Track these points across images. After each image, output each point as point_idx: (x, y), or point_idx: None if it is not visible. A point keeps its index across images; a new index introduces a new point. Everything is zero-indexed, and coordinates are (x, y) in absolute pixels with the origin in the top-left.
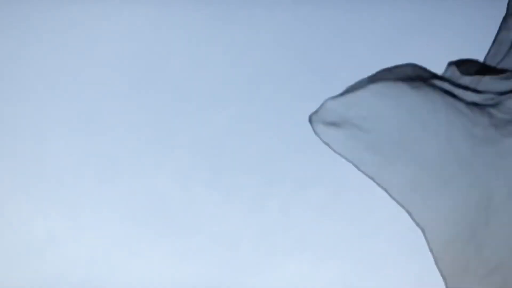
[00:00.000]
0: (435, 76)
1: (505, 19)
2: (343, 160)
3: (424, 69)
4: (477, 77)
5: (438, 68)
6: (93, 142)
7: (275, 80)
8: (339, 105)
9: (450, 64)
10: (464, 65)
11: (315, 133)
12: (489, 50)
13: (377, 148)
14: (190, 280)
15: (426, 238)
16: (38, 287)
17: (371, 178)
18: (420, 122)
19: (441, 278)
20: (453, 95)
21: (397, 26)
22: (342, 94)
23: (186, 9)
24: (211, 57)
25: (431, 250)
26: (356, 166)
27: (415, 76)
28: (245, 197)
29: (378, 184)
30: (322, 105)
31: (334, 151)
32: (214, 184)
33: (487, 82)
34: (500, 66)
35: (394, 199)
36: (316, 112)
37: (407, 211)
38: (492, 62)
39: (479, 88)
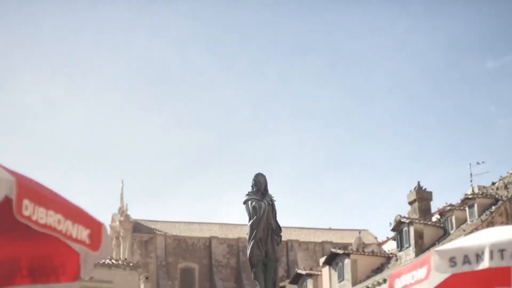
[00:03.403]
0: None
1: None
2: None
3: None
4: None
5: None
6: (91, 10)
7: None
8: None
9: None
10: None
11: None
12: None
13: None
14: (189, 146)
15: None
16: (36, 153)
17: None
18: None
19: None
20: None
21: None
22: None
23: None
24: None
25: None
26: None
27: None
28: (243, 64)
29: None
30: None
31: None
32: (212, 51)
33: None
34: None
35: None
36: None
37: None
38: None
39: None
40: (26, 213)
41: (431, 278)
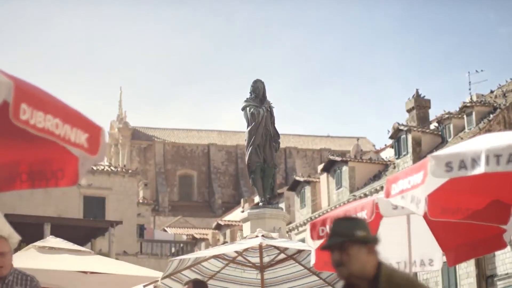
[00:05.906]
0: None
1: None
2: None
3: None
4: None
5: None
6: None
7: None
8: None
9: None
10: None
11: None
12: None
13: None
14: (188, 52)
15: None
16: (34, 60)
17: None
18: None
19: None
20: None
21: None
22: None
23: None
24: None
25: None
26: None
27: None
28: None
29: None
30: None
31: None
32: None
33: None
34: None
35: None
36: None
37: None
38: None
39: None
40: (23, 117)
41: (427, 183)
